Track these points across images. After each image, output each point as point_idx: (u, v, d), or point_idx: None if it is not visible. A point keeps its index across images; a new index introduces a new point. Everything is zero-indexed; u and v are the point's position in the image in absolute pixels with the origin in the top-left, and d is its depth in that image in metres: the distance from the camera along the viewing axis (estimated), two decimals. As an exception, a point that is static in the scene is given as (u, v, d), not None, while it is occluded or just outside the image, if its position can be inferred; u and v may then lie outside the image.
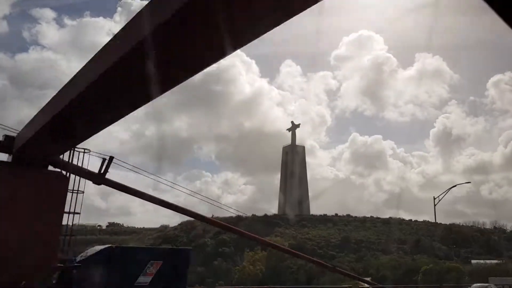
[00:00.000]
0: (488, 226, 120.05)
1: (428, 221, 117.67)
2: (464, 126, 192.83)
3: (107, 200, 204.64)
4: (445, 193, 42.92)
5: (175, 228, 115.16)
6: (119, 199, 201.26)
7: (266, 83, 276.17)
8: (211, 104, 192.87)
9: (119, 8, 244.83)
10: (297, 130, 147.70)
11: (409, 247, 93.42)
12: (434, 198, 42.78)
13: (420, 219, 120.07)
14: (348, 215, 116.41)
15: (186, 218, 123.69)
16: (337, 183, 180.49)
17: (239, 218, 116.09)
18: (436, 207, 42.25)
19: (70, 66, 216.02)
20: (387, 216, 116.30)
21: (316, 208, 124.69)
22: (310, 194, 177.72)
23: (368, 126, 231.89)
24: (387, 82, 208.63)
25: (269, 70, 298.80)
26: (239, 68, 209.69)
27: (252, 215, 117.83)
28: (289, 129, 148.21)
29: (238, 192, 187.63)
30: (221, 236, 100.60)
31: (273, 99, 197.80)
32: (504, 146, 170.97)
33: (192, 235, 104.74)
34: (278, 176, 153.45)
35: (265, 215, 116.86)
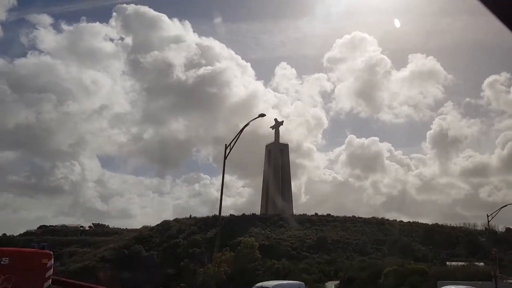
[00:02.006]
0: (479, 228, 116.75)
1: (411, 221, 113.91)
2: (461, 128, 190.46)
3: (107, 202, 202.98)
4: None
5: (151, 228, 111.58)
6: (120, 201, 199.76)
7: (262, 85, 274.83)
8: (207, 106, 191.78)
9: (114, 13, 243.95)
10: (281, 128, 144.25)
11: (387, 248, 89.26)
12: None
13: (417, 221, 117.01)
14: (328, 215, 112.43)
15: (170, 217, 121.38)
16: (334, 185, 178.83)
17: (215, 218, 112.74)
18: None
19: (68, 70, 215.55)
20: (370, 216, 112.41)
21: (312, 209, 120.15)
22: (306, 196, 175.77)
23: (364, 128, 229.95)
24: (381, 83, 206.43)
25: (264, 73, 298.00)
26: (234, 71, 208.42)
27: (230, 215, 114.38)
28: (272, 127, 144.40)
29: (236, 195, 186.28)
30: (194, 237, 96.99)
31: (268, 101, 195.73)
32: (501, 148, 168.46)
33: (166, 235, 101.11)
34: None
35: (243, 215, 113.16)
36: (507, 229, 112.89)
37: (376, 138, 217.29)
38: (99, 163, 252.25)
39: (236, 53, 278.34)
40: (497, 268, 47.56)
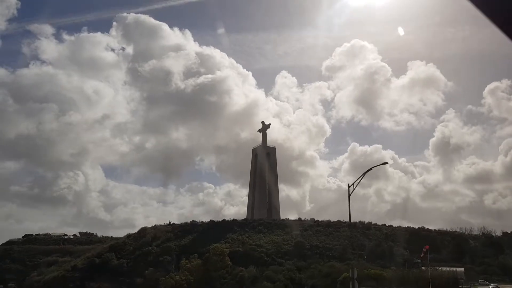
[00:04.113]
0: (476, 233, 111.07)
1: (401, 226, 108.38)
2: (463, 135, 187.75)
3: (111, 212, 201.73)
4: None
5: (128, 236, 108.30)
6: (123, 211, 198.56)
7: (263, 94, 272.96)
8: (208, 115, 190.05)
9: (114, 23, 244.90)
10: (268, 131, 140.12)
11: (366, 253, 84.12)
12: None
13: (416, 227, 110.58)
14: (312, 219, 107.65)
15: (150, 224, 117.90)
16: (340, 194, 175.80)
17: (193, 225, 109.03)
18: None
19: (70, 80, 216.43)
20: (357, 221, 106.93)
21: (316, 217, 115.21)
22: (311, 204, 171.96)
23: (365, 135, 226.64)
24: (381, 91, 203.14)
25: (266, 82, 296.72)
26: (235, 80, 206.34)
27: (210, 220, 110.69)
28: (259, 130, 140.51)
29: (240, 204, 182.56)
30: (167, 244, 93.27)
31: (270, 110, 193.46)
32: (504, 155, 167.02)
33: (140, 242, 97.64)
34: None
35: (223, 220, 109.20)
36: (504, 233, 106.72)
37: (379, 146, 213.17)
38: (102, 173, 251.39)
39: (238, 62, 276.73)
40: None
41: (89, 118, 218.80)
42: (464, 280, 59.65)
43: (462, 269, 64.31)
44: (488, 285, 62.45)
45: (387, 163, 31.66)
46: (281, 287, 62.56)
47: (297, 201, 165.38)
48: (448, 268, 61.02)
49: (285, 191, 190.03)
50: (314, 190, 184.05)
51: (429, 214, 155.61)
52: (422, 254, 54.26)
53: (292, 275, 69.31)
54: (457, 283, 54.41)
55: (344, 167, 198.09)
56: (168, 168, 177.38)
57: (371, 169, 29.83)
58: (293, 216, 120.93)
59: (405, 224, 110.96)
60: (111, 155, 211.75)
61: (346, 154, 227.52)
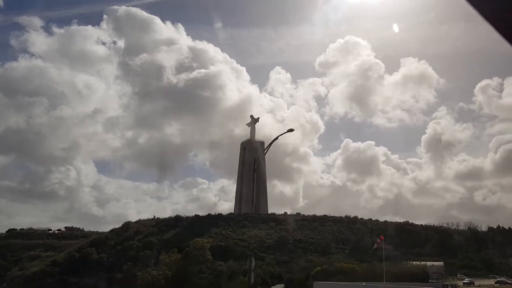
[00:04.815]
0: (462, 228, 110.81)
1: (387, 221, 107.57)
2: (454, 133, 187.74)
3: (103, 207, 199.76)
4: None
5: (111, 230, 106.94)
6: (116, 206, 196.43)
7: (257, 90, 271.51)
8: (201, 110, 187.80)
9: (105, 16, 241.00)
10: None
11: (350, 247, 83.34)
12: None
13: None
14: (298, 214, 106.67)
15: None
16: (333, 190, 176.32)
17: (177, 219, 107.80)
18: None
19: (60, 74, 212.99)
20: (343, 215, 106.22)
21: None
22: (305, 200, 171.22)
23: (358, 132, 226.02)
24: (375, 87, 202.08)
25: (260, 78, 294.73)
26: (229, 75, 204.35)
27: (195, 215, 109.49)
28: (248, 124, 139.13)
29: (233, 199, 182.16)
30: (149, 238, 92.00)
31: (263, 106, 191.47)
32: (494, 152, 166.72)
33: (122, 237, 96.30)
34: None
35: (209, 215, 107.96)
36: (490, 228, 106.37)
37: (372, 142, 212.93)
38: (94, 168, 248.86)
39: (231, 58, 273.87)
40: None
41: (80, 113, 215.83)
42: (441, 275, 58.88)
43: (441, 263, 63.58)
44: (463, 279, 61.73)
45: (292, 130, 31.48)
46: (259, 282, 61.29)
47: (290, 197, 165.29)
48: (425, 263, 60.27)
49: (279, 187, 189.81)
50: (308, 186, 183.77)
51: (420, 210, 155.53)
52: (375, 245, 52.50)
53: (271, 269, 68.20)
54: (428, 277, 53.39)
55: (337, 163, 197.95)
56: (162, 163, 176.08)
57: (277, 138, 29.50)
58: (282, 211, 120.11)
59: (398, 219, 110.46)
60: (103, 150, 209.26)
61: (339, 151, 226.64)
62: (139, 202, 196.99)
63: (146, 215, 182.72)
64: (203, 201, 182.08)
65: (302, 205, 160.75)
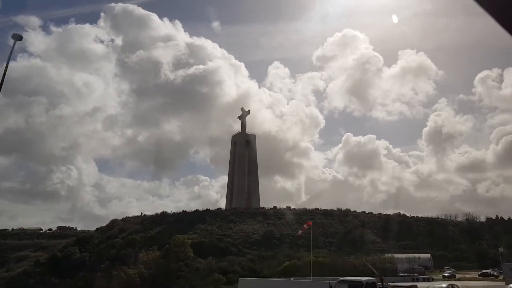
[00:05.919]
0: (460, 219, 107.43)
1: (380, 213, 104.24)
2: (455, 124, 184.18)
3: (105, 206, 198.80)
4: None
5: (97, 229, 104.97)
6: (118, 205, 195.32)
7: (256, 85, 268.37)
8: (199, 106, 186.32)
9: (102, 14, 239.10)
10: (248, 117, 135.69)
11: (338, 240, 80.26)
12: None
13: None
14: (288, 207, 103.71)
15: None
16: (335, 184, 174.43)
17: (164, 215, 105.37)
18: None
19: (59, 73, 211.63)
20: (334, 208, 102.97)
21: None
22: (307, 195, 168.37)
23: (358, 126, 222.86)
24: (373, 81, 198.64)
25: (259, 73, 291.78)
26: (227, 71, 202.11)
27: (183, 211, 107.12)
28: (239, 117, 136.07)
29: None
30: (132, 236, 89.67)
31: (262, 101, 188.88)
32: (495, 143, 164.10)
33: (106, 235, 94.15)
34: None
35: (196, 211, 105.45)
36: (488, 219, 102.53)
37: (374, 136, 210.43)
38: (95, 167, 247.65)
39: (229, 53, 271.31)
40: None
41: (80, 111, 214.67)
42: (426, 267, 55.72)
43: (428, 255, 60.36)
44: (448, 271, 58.44)
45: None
46: (236, 279, 58.58)
47: (292, 192, 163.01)
48: (412, 255, 57.10)
49: (280, 182, 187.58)
50: (310, 181, 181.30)
51: (423, 204, 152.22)
52: (300, 232, 48.54)
53: (251, 265, 65.44)
54: (397, 271, 50.22)
55: (338, 158, 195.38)
56: (162, 161, 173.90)
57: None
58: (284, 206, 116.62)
59: (400, 211, 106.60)
60: (103, 148, 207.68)
61: (340, 145, 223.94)
62: (141, 200, 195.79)
63: (148, 212, 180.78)
64: (205, 198, 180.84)
65: (304, 200, 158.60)
